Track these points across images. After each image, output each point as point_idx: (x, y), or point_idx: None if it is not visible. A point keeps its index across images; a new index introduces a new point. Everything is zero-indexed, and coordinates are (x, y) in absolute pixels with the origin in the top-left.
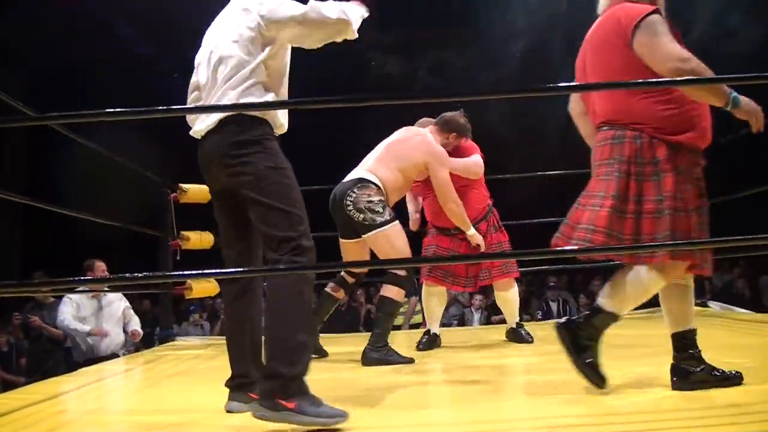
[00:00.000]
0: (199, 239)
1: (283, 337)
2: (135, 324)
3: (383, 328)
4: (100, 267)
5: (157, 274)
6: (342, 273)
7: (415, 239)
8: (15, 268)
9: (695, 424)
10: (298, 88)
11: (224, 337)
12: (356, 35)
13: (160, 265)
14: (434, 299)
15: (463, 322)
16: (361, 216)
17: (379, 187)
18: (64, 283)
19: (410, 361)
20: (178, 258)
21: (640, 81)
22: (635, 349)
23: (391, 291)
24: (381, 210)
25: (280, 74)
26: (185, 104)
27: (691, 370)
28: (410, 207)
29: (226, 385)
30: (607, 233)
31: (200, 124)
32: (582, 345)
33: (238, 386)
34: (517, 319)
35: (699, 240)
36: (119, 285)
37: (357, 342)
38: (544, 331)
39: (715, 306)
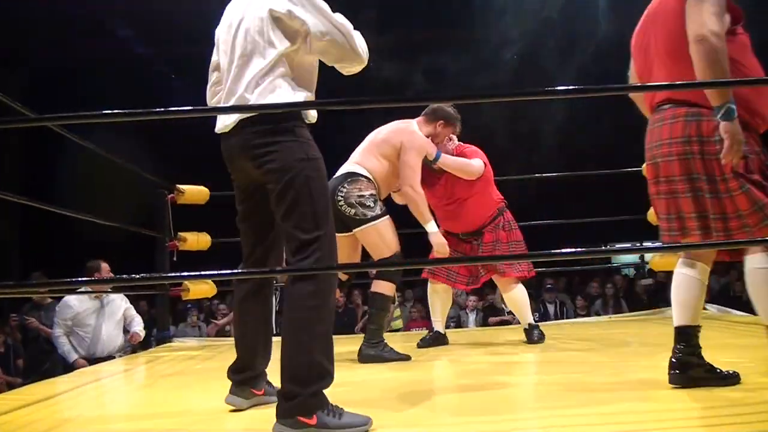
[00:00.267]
0: (197, 240)
1: (298, 359)
2: (137, 325)
3: (377, 324)
4: (105, 268)
5: (154, 276)
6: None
7: (415, 239)
8: (13, 269)
9: (694, 424)
10: None
11: (220, 336)
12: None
13: (157, 266)
14: (438, 297)
15: (460, 323)
16: (353, 211)
17: (369, 179)
18: (62, 284)
19: (407, 358)
20: (174, 259)
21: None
22: (632, 348)
23: (381, 286)
24: (372, 204)
25: (309, 69)
26: (206, 84)
27: (690, 365)
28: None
29: (228, 377)
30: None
31: (228, 119)
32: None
33: (242, 381)
34: (530, 319)
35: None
36: (116, 286)
37: (354, 342)
38: (546, 331)
39: (712, 308)
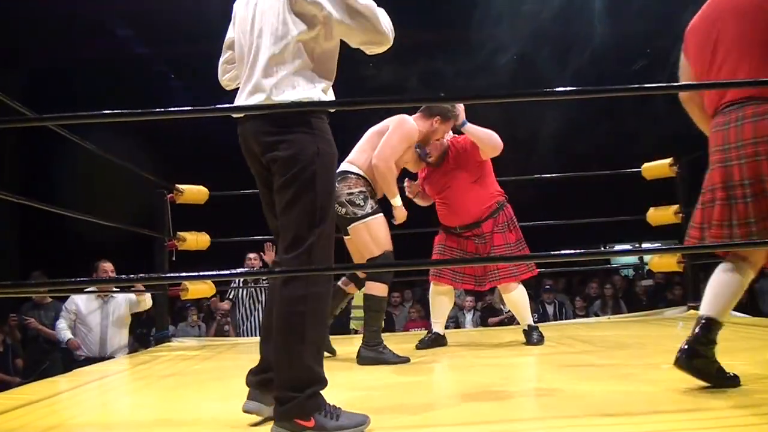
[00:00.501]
0: (196, 240)
1: (290, 363)
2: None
3: (374, 325)
4: (108, 268)
5: (153, 276)
6: None
7: (417, 240)
8: (13, 269)
9: (693, 425)
10: None
11: (219, 336)
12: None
13: (156, 266)
14: (441, 299)
15: (458, 324)
16: (343, 210)
17: (358, 176)
18: (61, 284)
19: (405, 360)
20: (174, 259)
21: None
22: (631, 349)
23: (374, 288)
24: (362, 203)
25: (330, 56)
26: (218, 61)
27: (698, 354)
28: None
29: (247, 383)
30: None
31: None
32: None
33: (262, 383)
34: (529, 320)
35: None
36: (116, 285)
37: (352, 343)
38: (544, 332)
39: None
